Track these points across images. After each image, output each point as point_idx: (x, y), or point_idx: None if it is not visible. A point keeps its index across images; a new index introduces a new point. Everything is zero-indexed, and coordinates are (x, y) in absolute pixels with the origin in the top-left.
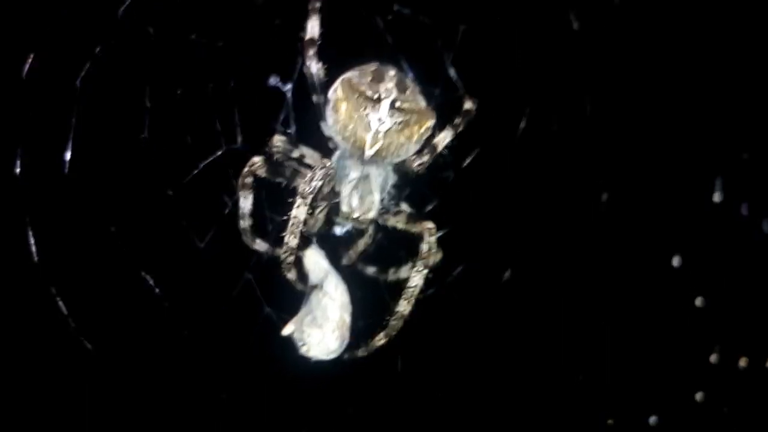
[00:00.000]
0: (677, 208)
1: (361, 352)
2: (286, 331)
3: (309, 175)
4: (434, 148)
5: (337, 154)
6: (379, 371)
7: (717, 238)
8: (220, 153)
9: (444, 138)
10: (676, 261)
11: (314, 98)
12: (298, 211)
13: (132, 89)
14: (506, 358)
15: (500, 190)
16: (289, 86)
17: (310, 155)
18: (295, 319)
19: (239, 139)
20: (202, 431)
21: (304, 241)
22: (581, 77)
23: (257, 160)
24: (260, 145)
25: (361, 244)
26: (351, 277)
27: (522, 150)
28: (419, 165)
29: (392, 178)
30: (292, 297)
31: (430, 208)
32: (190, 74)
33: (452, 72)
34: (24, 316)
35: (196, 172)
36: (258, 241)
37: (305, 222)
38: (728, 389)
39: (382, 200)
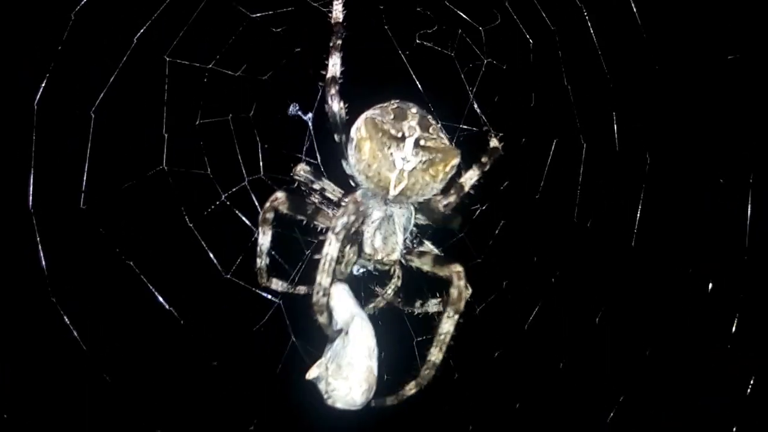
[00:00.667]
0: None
1: (390, 401)
2: (310, 375)
3: (341, 210)
4: (461, 187)
5: (358, 192)
6: None
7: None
8: (243, 184)
9: (471, 177)
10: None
11: (336, 137)
12: (330, 248)
13: (149, 119)
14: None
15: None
16: (309, 115)
17: (332, 190)
18: (319, 362)
19: (261, 168)
20: None
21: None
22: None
23: (280, 195)
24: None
25: (390, 288)
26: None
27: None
28: (446, 206)
29: (414, 218)
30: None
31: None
32: (209, 104)
33: (476, 107)
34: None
35: (218, 203)
36: (274, 280)
37: (338, 260)
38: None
39: (405, 240)
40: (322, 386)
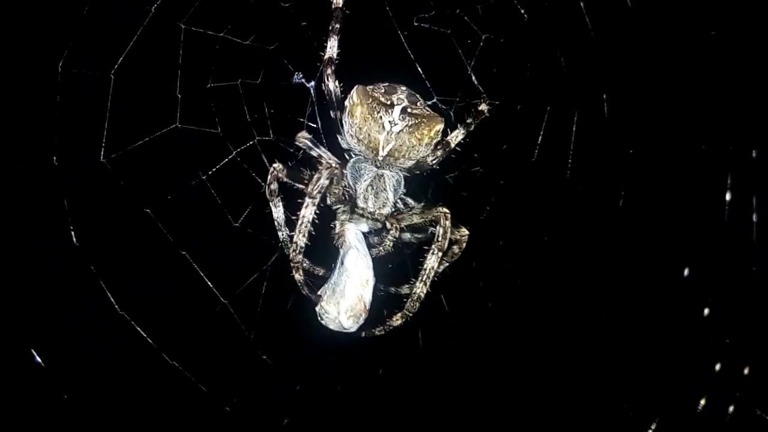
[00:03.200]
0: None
1: (378, 331)
2: (320, 291)
3: (316, 175)
4: (447, 144)
5: (352, 160)
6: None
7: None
8: (252, 143)
9: (456, 135)
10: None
11: (332, 114)
12: (306, 211)
13: (164, 81)
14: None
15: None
16: (312, 83)
17: (327, 157)
18: (321, 289)
19: (270, 132)
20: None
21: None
22: (595, 83)
23: (277, 166)
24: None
25: (388, 239)
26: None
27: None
28: (433, 159)
29: (404, 184)
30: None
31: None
32: (220, 69)
33: (474, 78)
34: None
35: (228, 158)
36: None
37: (313, 221)
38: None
39: (395, 200)
40: (317, 308)
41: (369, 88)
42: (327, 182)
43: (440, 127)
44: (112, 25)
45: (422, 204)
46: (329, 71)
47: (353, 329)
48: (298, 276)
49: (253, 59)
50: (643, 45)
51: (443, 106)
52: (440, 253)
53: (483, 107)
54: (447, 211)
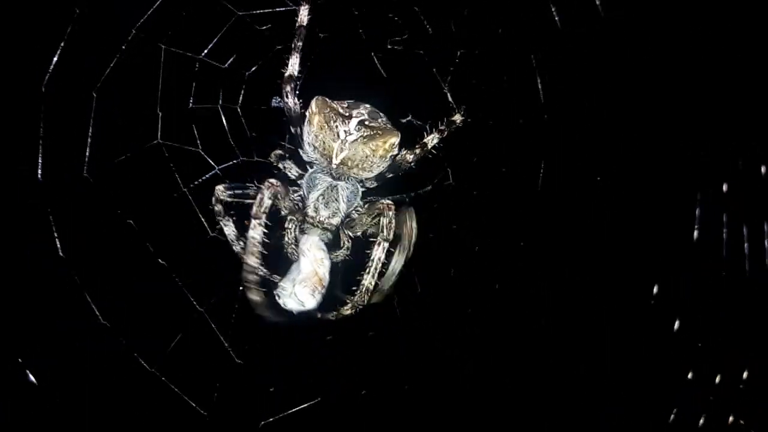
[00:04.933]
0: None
1: (331, 316)
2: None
3: (258, 196)
4: (425, 145)
5: (310, 171)
6: None
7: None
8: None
9: (432, 138)
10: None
11: (291, 129)
12: (254, 232)
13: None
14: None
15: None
16: None
17: (290, 169)
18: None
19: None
20: None
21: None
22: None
23: (219, 188)
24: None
25: (341, 253)
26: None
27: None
28: (410, 160)
29: (359, 196)
30: None
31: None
32: (200, 89)
33: (448, 94)
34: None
35: (208, 176)
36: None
37: (263, 242)
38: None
39: (348, 210)
40: (275, 291)
41: (329, 100)
42: (270, 201)
43: (395, 140)
44: (96, 44)
45: (367, 202)
46: (288, 88)
47: (311, 304)
48: (254, 296)
49: (232, 81)
50: (620, 55)
51: (418, 122)
52: (386, 244)
53: (456, 117)
54: (390, 203)
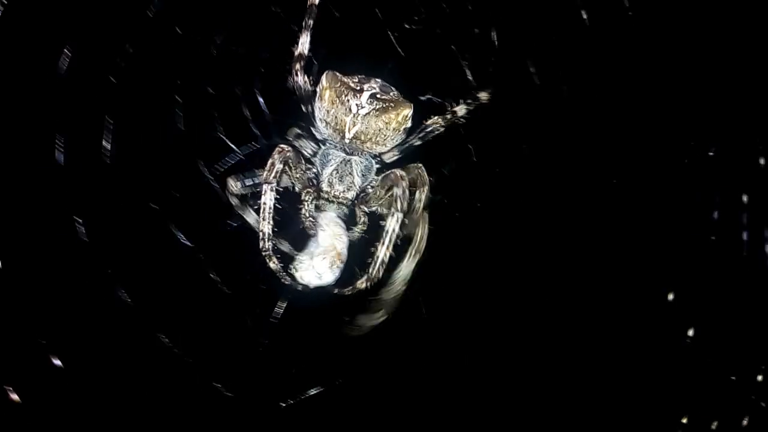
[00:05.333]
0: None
1: (347, 291)
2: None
3: (269, 161)
4: (454, 112)
5: (323, 147)
6: None
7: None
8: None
9: (461, 108)
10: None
11: (303, 108)
12: (266, 197)
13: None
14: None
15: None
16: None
17: (305, 147)
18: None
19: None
20: None
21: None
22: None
23: (230, 181)
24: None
25: (357, 231)
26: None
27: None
28: (443, 122)
29: (374, 171)
30: None
31: None
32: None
33: (469, 74)
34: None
35: (231, 158)
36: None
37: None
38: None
39: (364, 189)
40: (292, 265)
41: (339, 74)
42: (281, 166)
43: (408, 112)
44: (114, 31)
45: (381, 175)
46: (298, 66)
47: (329, 278)
48: (273, 265)
49: (249, 66)
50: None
51: (437, 100)
52: (400, 215)
53: (483, 94)
54: (402, 173)
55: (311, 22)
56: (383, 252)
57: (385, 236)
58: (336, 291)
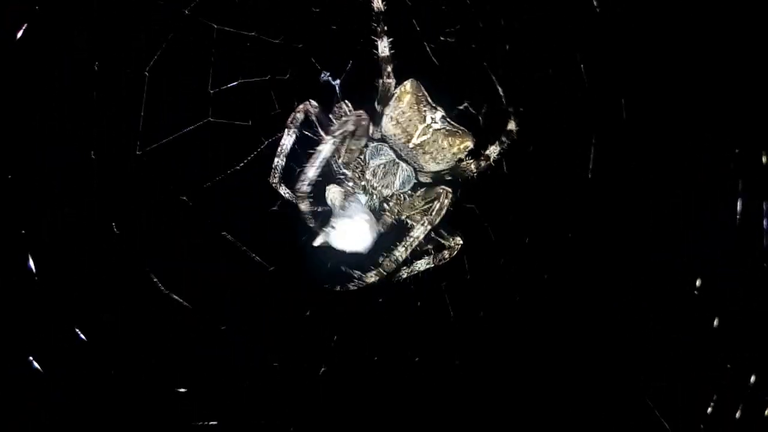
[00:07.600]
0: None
1: (352, 286)
2: (317, 242)
3: (344, 118)
4: (488, 157)
5: (378, 142)
6: None
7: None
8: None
9: (494, 150)
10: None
11: (377, 106)
12: (324, 146)
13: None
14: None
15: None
16: (338, 82)
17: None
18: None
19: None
20: None
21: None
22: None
23: (315, 103)
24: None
25: (387, 220)
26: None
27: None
28: (475, 169)
29: (411, 185)
30: None
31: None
32: (250, 67)
33: (500, 90)
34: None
35: (260, 149)
36: (283, 186)
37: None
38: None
39: (400, 193)
40: (327, 236)
41: (421, 87)
42: (352, 128)
43: (470, 144)
44: (148, 26)
45: (425, 189)
46: (389, 69)
47: (367, 240)
48: (304, 206)
49: (282, 58)
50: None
51: (473, 111)
52: (429, 226)
53: (511, 126)
54: (449, 191)
55: (385, 27)
56: (400, 251)
57: (408, 239)
58: (344, 269)
